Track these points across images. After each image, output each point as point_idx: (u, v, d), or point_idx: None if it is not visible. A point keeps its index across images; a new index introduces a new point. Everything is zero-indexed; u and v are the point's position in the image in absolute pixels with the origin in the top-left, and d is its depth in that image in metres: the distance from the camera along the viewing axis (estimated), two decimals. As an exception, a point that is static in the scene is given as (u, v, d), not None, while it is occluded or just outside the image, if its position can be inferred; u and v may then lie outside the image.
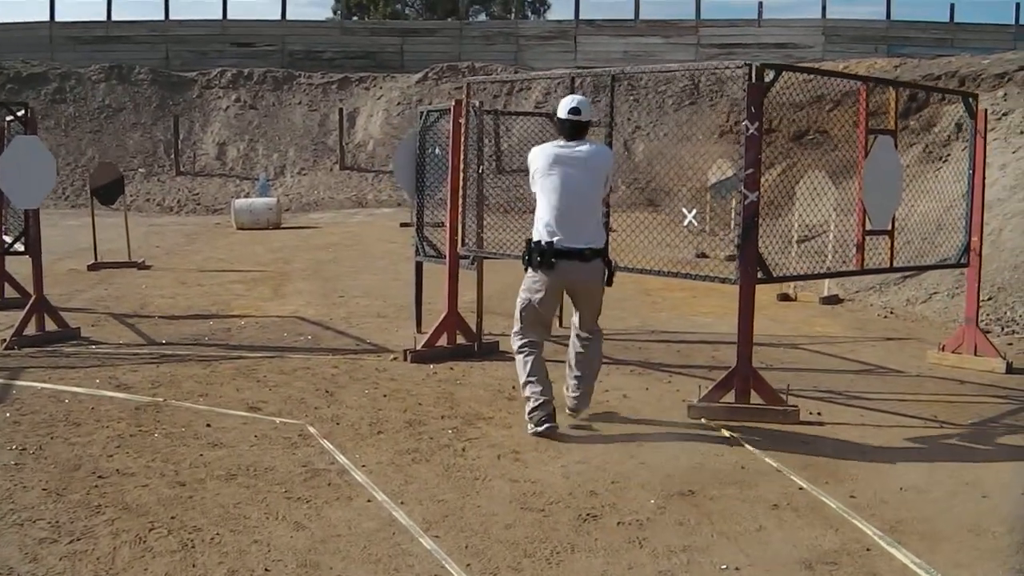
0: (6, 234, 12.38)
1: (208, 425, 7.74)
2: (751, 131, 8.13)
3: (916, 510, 6.31)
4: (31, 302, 10.87)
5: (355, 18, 46.50)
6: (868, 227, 9.47)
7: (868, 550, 5.62)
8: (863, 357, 11.15)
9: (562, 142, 7.94)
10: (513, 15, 47.41)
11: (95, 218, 17.17)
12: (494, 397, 8.82)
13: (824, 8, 38.63)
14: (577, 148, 7.86)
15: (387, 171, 32.10)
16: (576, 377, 8.14)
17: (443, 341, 10.52)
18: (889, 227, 9.76)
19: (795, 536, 5.79)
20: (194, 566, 5.18)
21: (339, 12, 48.00)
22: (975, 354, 10.69)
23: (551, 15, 54.16)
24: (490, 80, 10.95)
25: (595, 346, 8.21)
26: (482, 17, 50.79)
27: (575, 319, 8.23)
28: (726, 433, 7.85)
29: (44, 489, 6.28)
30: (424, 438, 7.55)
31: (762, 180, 8.23)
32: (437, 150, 11.40)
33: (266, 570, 5.15)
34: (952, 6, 53.75)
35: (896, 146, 9.68)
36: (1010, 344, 11.70)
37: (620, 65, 9.03)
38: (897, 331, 12.90)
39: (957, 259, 10.71)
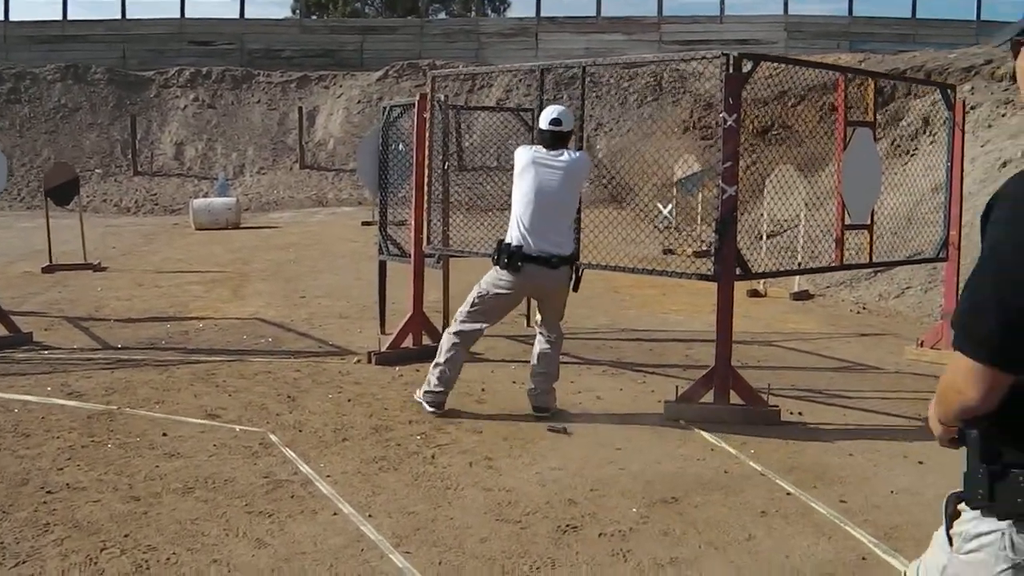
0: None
1: (164, 434, 7.35)
2: (729, 123, 7.86)
3: (910, 515, 6.03)
4: (-20, 306, 10.47)
5: (314, 16, 46.00)
6: (847, 221, 9.22)
7: (864, 559, 5.35)
8: (839, 354, 10.90)
9: (544, 149, 7.96)
10: (474, 13, 47.09)
11: (50, 219, 16.71)
12: (463, 400, 8.48)
13: (786, 4, 38.47)
14: (557, 157, 7.87)
15: (347, 170, 31.76)
16: (540, 373, 8.05)
17: (408, 342, 10.19)
18: (868, 221, 9.50)
19: (786, 545, 5.49)
20: (148, 588, 4.83)
21: (298, 11, 47.54)
22: (954, 350, 10.44)
23: (511, 13, 53.82)
24: (456, 72, 10.63)
25: (555, 347, 8.17)
26: (442, 15, 50.41)
27: (537, 318, 8.39)
28: (706, 435, 7.56)
29: (-12, 506, 5.91)
30: (391, 445, 7.20)
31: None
32: (401, 146, 11.08)
33: (226, 592, 4.81)
34: (914, 2, 53.63)
35: (875, 138, 9.42)
36: (987, 339, 11.45)
37: (536, 64, 8.87)
38: (871, 327, 12.68)
39: (936, 253, 10.48)
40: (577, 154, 8.07)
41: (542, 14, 38.48)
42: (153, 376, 9.20)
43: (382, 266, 11.49)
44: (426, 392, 8.05)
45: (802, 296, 14.81)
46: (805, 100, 25.79)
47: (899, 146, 21.33)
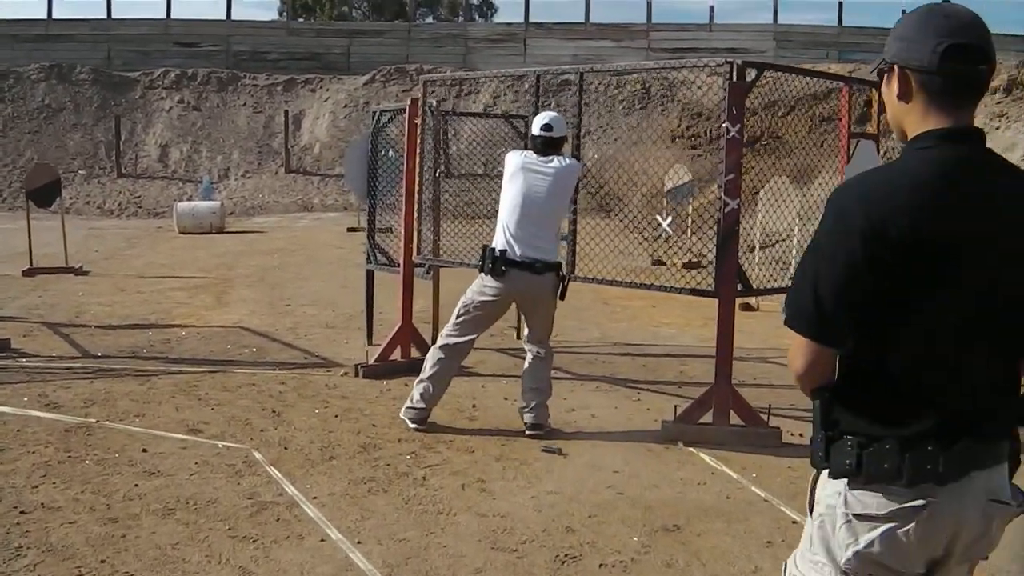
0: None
1: (144, 450, 7.07)
2: (732, 133, 7.65)
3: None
4: (-44, 312, 10.17)
5: (301, 19, 45.72)
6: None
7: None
8: (837, 371, 10.65)
9: (533, 155, 7.84)
10: (461, 17, 46.90)
11: (31, 221, 16.38)
12: (453, 417, 8.23)
13: (776, 13, 38.40)
14: (547, 163, 7.75)
15: (333, 175, 31.52)
16: (532, 390, 7.84)
17: (396, 355, 9.93)
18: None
19: (795, 579, 5.24)
20: (125, 621, 4.57)
21: (284, 13, 47.28)
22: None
23: (498, 18, 53.69)
24: (449, 77, 10.42)
25: (545, 363, 7.95)
26: (429, 20, 50.20)
27: (526, 332, 8.11)
28: (705, 458, 7.31)
29: (-42, 527, 5.63)
30: (380, 465, 6.94)
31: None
32: (391, 152, 10.82)
33: (207, 625, 4.54)
34: (903, 12, 53.44)
35: (879, 150, 9.19)
36: None
37: (530, 69, 8.70)
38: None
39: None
40: (567, 161, 7.90)
41: (531, 19, 38.28)
42: (134, 387, 8.91)
43: (370, 275, 11.22)
44: (408, 408, 7.86)
45: (795, 310, 14.55)
46: (795, 110, 25.65)
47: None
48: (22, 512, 5.83)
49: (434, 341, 9.65)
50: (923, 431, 2.54)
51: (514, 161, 7.86)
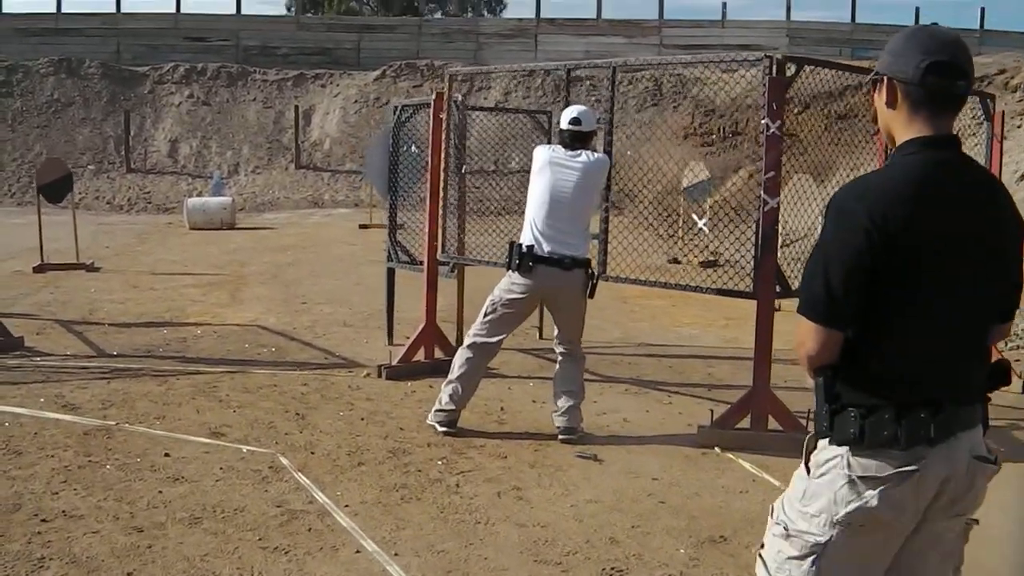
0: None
1: (167, 454, 6.84)
2: (772, 130, 7.39)
3: (975, 554, 5.57)
4: (-31, 309, 9.95)
5: (309, 14, 45.44)
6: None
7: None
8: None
9: (562, 149, 7.67)
10: (471, 12, 46.67)
11: (42, 217, 16.14)
12: (482, 420, 8.00)
13: (788, 10, 38.11)
14: (574, 158, 7.57)
15: (344, 171, 31.31)
16: (564, 393, 7.61)
17: (419, 355, 9.70)
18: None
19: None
20: (155, 639, 4.34)
21: (292, 8, 47.03)
22: (988, 372, 10.01)
23: (507, 14, 53.37)
24: (474, 71, 10.16)
25: (577, 365, 7.75)
26: (438, 15, 49.92)
27: (556, 333, 7.85)
28: (745, 464, 7.08)
29: (-23, 536, 5.40)
30: (411, 471, 6.71)
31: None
32: (413, 148, 10.59)
33: (242, 645, 4.31)
34: (917, 10, 53.37)
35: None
36: (1017, 360, 10.99)
37: (561, 63, 8.52)
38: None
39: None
40: (596, 155, 7.72)
41: (542, 15, 38.02)
42: (152, 388, 8.68)
43: (390, 274, 10.99)
44: (437, 411, 7.65)
45: (819, 309, 14.33)
46: (810, 107, 25.39)
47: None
48: (43, 520, 5.60)
49: (459, 342, 9.45)
50: (915, 401, 2.90)
51: (542, 156, 7.70)
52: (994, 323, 3.14)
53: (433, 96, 9.69)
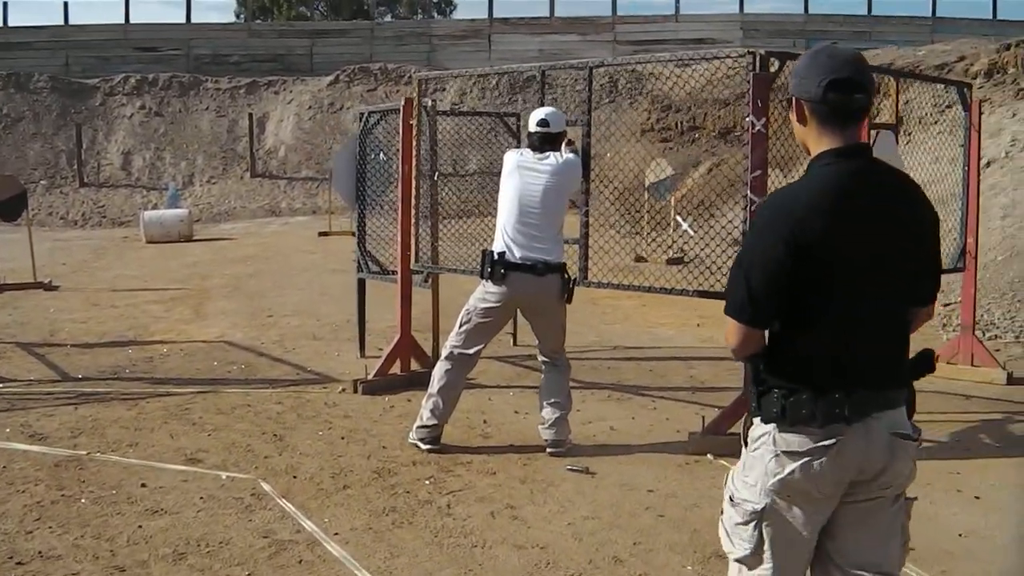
0: None
1: (143, 485, 6.55)
2: (757, 127, 7.23)
3: (987, 561, 5.41)
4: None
5: (259, 21, 45.01)
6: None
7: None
8: (851, 371, 10.27)
9: (530, 152, 7.48)
10: (421, 15, 46.41)
11: (-5, 236, 15.79)
12: (466, 435, 7.78)
13: (742, 3, 38.42)
14: (542, 160, 7.37)
15: (300, 178, 31.02)
16: (551, 405, 7.39)
17: (395, 368, 9.46)
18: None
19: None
20: None
21: (242, 16, 46.59)
22: (972, 364, 9.91)
23: (457, 15, 53.10)
24: (445, 74, 9.93)
25: (562, 374, 7.53)
26: (388, 18, 49.60)
27: (537, 343, 7.67)
28: (741, 472, 6.87)
29: (-52, 583, 5.11)
30: (399, 492, 6.46)
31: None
32: (381, 155, 10.35)
33: None
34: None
35: (897, 140, 8.78)
36: (997, 350, 10.86)
37: (535, 64, 8.40)
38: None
39: (953, 263, 9.86)
40: (564, 156, 7.50)
41: (495, 15, 37.80)
42: (122, 413, 8.38)
43: (361, 284, 10.74)
44: (419, 427, 7.40)
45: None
46: (771, 100, 25.28)
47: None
48: (19, 563, 5.29)
49: (435, 353, 9.23)
50: (831, 384, 3.16)
51: (510, 160, 7.52)
52: (915, 308, 3.43)
53: (402, 102, 9.45)
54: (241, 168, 31.85)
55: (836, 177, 3.20)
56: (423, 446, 7.32)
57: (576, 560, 5.39)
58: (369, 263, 10.56)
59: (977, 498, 6.51)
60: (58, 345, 11.44)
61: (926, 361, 3.37)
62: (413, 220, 9.33)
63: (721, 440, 7.30)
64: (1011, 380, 9.75)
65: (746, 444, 3.35)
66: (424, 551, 5.51)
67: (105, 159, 31.91)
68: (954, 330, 11.98)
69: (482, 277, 7.33)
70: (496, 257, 7.23)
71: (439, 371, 7.47)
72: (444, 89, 31.61)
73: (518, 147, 8.77)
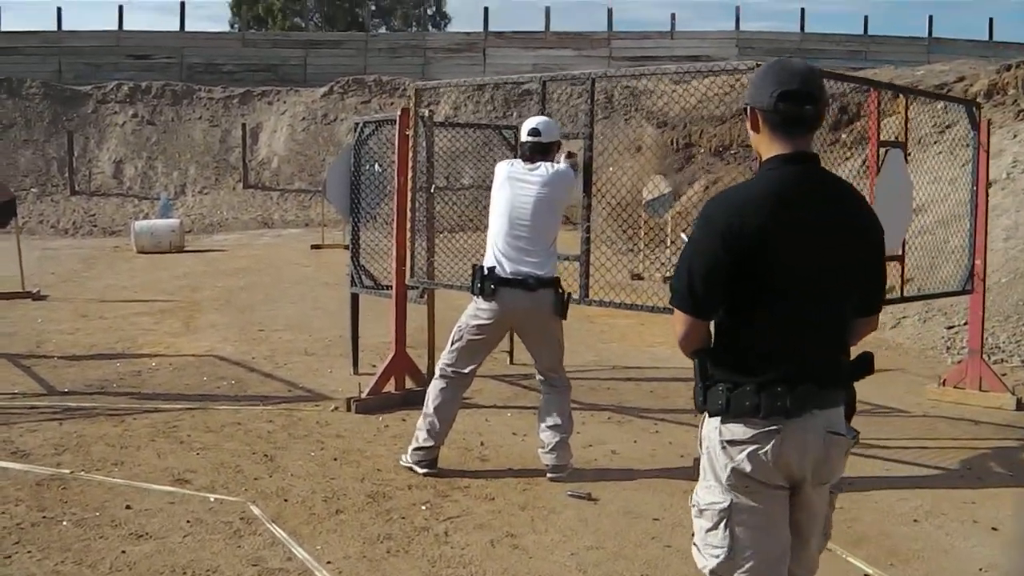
0: None
1: (128, 506, 6.28)
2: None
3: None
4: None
5: (252, 30, 44.81)
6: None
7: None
8: (854, 394, 10.04)
9: (521, 163, 7.25)
10: (415, 27, 46.25)
11: (-18, 244, 15.52)
12: (463, 457, 7.53)
13: (738, 20, 38.06)
14: (532, 171, 7.12)
15: (293, 189, 30.82)
16: (550, 428, 7.12)
17: (389, 386, 9.21)
18: (900, 251, 8.64)
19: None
20: None
21: (236, 25, 46.41)
22: (980, 389, 9.69)
23: (452, 28, 52.99)
24: (442, 85, 9.74)
25: (562, 395, 7.27)
26: (382, 30, 49.47)
27: (535, 363, 7.42)
28: (749, 500, 6.64)
29: (-78, 610, 4.86)
30: (394, 518, 6.21)
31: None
32: (376, 167, 10.12)
33: None
34: (866, 19, 53.60)
35: (907, 159, 8.56)
36: (1004, 375, 10.65)
37: (536, 75, 8.22)
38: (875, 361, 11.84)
39: (961, 286, 9.65)
40: (556, 167, 7.23)
41: (489, 29, 37.63)
42: (108, 429, 8.11)
43: (354, 299, 10.50)
44: (415, 450, 7.13)
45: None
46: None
47: (870, 167, 20.64)
48: (-5, 590, 5.07)
49: (430, 371, 8.98)
50: (774, 378, 3.32)
51: (501, 172, 7.30)
52: (859, 316, 3.58)
53: (398, 112, 9.23)
54: (234, 179, 31.63)
55: (779, 180, 3.37)
56: (419, 469, 7.07)
57: (581, 594, 5.15)
58: (363, 277, 10.33)
59: (995, 529, 6.30)
60: (45, 357, 11.18)
61: (866, 363, 3.53)
62: (408, 233, 9.09)
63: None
64: (1020, 406, 9.55)
65: (701, 445, 3.51)
66: (421, 582, 5.27)
67: (97, 167, 31.66)
68: (959, 353, 11.79)
69: (472, 293, 7.11)
70: (486, 272, 7.00)
71: (433, 390, 7.22)
72: (438, 102, 31.41)
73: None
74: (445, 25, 54.72)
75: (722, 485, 3.37)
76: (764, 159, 3.45)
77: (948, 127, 19.69)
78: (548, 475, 7.02)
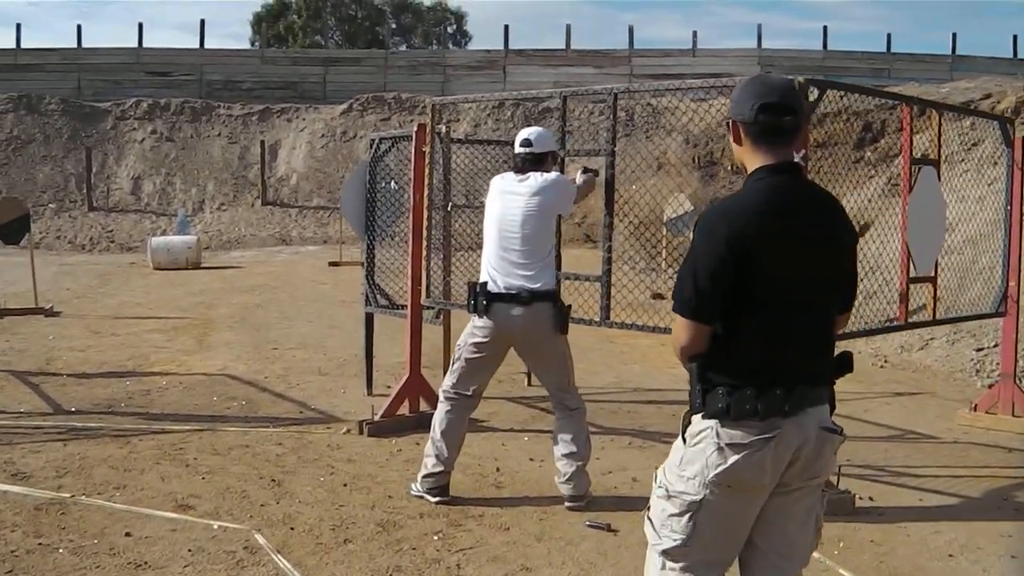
0: None
1: (128, 534, 6.03)
2: (796, 159, 6.63)
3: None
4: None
5: (272, 47, 44.74)
6: (912, 273, 8.06)
7: None
8: (882, 419, 9.77)
9: (512, 175, 7.02)
10: (436, 45, 46.11)
11: (-3, 260, 15.35)
12: (478, 484, 7.27)
13: (759, 38, 37.76)
14: (522, 182, 6.93)
15: (311, 207, 30.67)
16: (566, 456, 6.84)
17: (403, 408, 8.95)
18: (933, 272, 8.36)
19: None
20: None
21: (257, 42, 46.35)
22: (1013, 415, 9.39)
23: (472, 46, 52.90)
24: (460, 100, 9.57)
25: (575, 419, 6.95)
26: (402, 48, 49.38)
27: (544, 385, 7.18)
28: (775, 532, 6.36)
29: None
30: (405, 549, 5.94)
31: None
32: (392, 184, 9.88)
33: None
34: (889, 36, 53.19)
35: (940, 178, 8.28)
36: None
37: (556, 90, 8.06)
38: (902, 384, 11.57)
39: (994, 307, 9.36)
40: (546, 176, 6.94)
41: (510, 47, 37.47)
42: (112, 451, 7.88)
43: (369, 319, 10.25)
44: (424, 477, 6.88)
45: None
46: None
47: (897, 185, 20.35)
48: (-17, 623, 4.82)
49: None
50: (771, 381, 3.43)
51: (494, 185, 7.10)
52: (837, 315, 3.73)
53: (415, 128, 8.99)
54: (252, 196, 31.50)
55: (767, 190, 3.52)
56: (431, 498, 6.81)
57: (599, 634, 4.88)
58: (377, 296, 10.09)
59: (1033, 565, 6.01)
60: (54, 375, 10.97)
61: (846, 363, 3.68)
62: (424, 252, 8.84)
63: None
64: (1054, 433, 9.25)
65: (684, 440, 3.57)
66: (431, 619, 5.00)
67: (115, 183, 31.59)
68: (988, 376, 11.49)
69: (467, 310, 6.91)
70: (479, 288, 6.78)
71: (438, 415, 6.98)
72: (458, 120, 31.23)
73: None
74: (466, 43, 54.72)
75: (703, 481, 3.46)
76: (751, 170, 3.59)
77: (975, 145, 19.43)
78: (566, 504, 6.75)
